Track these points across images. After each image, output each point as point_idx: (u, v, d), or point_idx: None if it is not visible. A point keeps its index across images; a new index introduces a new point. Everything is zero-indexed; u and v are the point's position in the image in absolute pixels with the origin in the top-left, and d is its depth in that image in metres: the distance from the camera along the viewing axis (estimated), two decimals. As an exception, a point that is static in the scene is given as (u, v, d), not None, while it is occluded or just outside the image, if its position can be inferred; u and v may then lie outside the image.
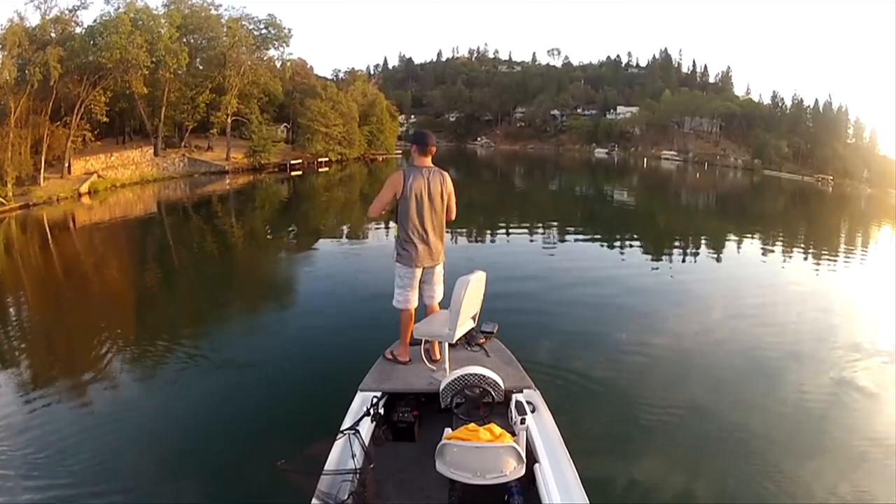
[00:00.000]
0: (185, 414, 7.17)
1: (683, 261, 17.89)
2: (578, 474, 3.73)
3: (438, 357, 5.43)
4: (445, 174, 5.48)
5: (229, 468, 5.79)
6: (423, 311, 5.70)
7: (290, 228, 24.01)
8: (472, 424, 3.80)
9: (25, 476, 5.66)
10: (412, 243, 5.34)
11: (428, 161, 5.40)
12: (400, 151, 75.87)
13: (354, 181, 46.51)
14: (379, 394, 4.85)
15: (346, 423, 4.29)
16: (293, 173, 48.22)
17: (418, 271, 5.46)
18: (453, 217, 5.59)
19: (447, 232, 5.72)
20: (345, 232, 22.30)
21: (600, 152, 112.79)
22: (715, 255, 19.41)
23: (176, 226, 25.13)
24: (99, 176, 36.62)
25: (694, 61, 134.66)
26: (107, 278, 15.26)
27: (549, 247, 18.98)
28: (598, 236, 21.19)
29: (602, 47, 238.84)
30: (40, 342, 10.06)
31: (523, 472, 3.58)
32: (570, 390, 7.33)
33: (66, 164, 35.69)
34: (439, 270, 5.64)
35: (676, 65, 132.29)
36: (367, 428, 4.30)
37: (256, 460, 5.46)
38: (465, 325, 5.11)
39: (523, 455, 3.59)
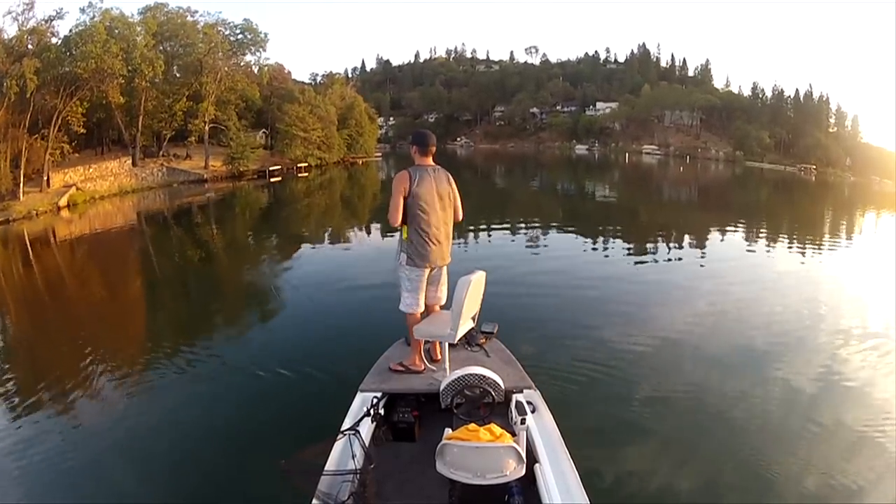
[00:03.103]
0: (185, 417, 7.19)
1: (672, 254, 17.94)
2: (579, 474, 3.73)
3: (439, 357, 5.40)
4: (449, 174, 5.35)
5: (230, 469, 5.82)
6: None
7: (275, 234, 23.91)
8: (473, 425, 3.80)
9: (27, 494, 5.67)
10: (422, 244, 5.19)
11: (429, 160, 5.27)
12: (380, 154, 75.89)
13: (335, 185, 46.43)
14: (379, 394, 4.83)
15: (347, 424, 4.28)
16: (273, 179, 48.01)
17: (426, 273, 5.34)
18: (460, 218, 5.46)
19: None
20: (334, 236, 22.32)
21: (581, 149, 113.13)
22: (703, 248, 19.50)
23: (157, 237, 24.87)
24: (78, 188, 36.24)
25: (672, 55, 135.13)
26: (93, 293, 15.10)
27: (541, 245, 18.98)
28: (587, 233, 21.16)
29: (580, 43, 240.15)
30: (31, 359, 9.94)
31: (523, 472, 3.59)
32: (571, 390, 7.31)
33: (45, 178, 35.18)
34: (445, 271, 5.53)
35: (655, 59, 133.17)
36: (367, 428, 4.29)
37: (257, 461, 5.47)
38: (465, 325, 5.07)
39: (523, 455, 3.60)
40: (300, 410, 6.98)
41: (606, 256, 17.16)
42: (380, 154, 76.80)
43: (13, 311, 13.62)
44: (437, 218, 5.21)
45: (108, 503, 5.51)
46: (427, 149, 5.26)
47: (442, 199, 5.23)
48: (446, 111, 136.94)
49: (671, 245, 19.77)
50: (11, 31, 35.07)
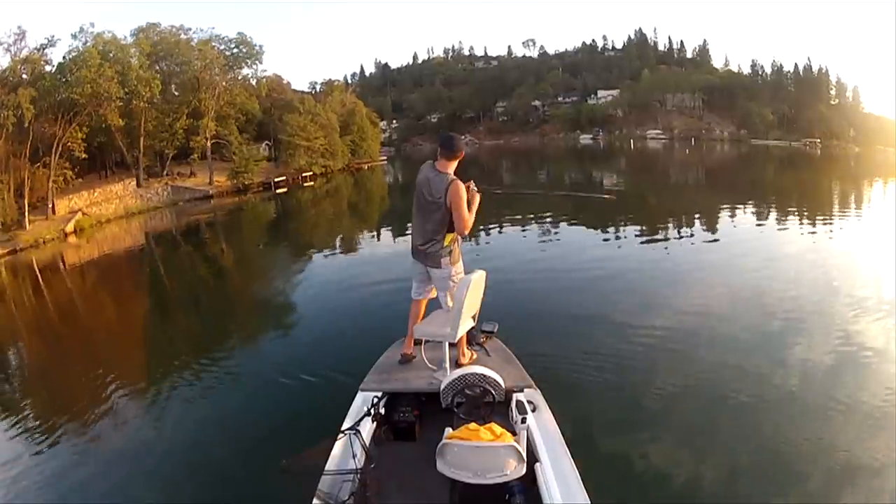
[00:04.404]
0: (186, 418, 7.42)
1: (680, 239, 17.89)
2: (579, 473, 3.74)
3: (464, 360, 5.38)
4: (455, 182, 4.96)
5: (230, 469, 5.94)
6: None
7: (281, 243, 24.19)
8: (473, 424, 3.85)
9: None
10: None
11: (446, 165, 5.07)
12: (385, 158, 75.99)
13: (340, 193, 46.63)
14: (379, 393, 4.84)
15: (347, 423, 4.27)
16: (278, 191, 48.07)
17: (417, 264, 5.37)
18: (463, 230, 5.05)
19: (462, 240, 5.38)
20: (337, 242, 22.40)
21: (585, 138, 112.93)
22: (710, 230, 19.38)
23: (166, 256, 25.02)
24: (83, 213, 36.42)
25: (669, 38, 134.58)
26: (103, 315, 15.24)
27: (545, 242, 18.70)
28: (592, 225, 20.86)
29: (576, 33, 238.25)
30: (45, 384, 10.02)
31: (524, 471, 3.65)
32: (571, 389, 7.27)
33: (50, 205, 35.43)
34: (441, 276, 5.24)
35: (653, 43, 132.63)
36: (367, 428, 4.31)
37: (258, 461, 5.60)
38: (465, 324, 5.04)
39: (524, 454, 3.66)
40: (300, 410, 7.07)
41: (608, 252, 16.76)
42: (385, 158, 77.07)
43: (27, 339, 13.75)
44: (418, 218, 5.24)
45: (113, 503, 5.63)
46: (448, 153, 5.10)
47: (426, 199, 5.11)
48: (448, 110, 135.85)
49: (680, 232, 19.63)
50: (4, 61, 35.64)
